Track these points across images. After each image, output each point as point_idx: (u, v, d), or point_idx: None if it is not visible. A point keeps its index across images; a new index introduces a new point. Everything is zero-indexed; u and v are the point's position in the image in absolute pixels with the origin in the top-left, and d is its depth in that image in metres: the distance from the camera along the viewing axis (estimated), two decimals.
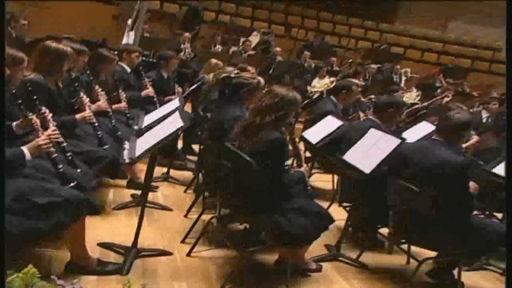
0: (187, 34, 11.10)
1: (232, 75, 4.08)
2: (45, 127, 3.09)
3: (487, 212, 4.98)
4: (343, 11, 19.28)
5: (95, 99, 4.28)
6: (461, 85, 14.08)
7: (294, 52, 14.02)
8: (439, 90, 11.99)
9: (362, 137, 4.09)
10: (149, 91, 5.55)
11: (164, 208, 4.58)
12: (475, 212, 4.97)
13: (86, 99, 4.05)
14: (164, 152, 5.68)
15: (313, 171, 5.82)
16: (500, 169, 4.28)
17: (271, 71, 10.98)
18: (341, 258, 4.15)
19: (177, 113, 3.26)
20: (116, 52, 5.69)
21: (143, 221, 3.98)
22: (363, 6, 19.47)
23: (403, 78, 13.15)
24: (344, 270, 4.00)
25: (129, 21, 9.37)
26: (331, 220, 3.63)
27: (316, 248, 4.13)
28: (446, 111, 5.23)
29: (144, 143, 3.18)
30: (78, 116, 3.90)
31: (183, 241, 3.91)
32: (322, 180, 6.01)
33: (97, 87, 4.44)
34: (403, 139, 3.83)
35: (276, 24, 17.09)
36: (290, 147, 3.78)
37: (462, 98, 10.93)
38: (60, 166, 3.00)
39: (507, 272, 2.64)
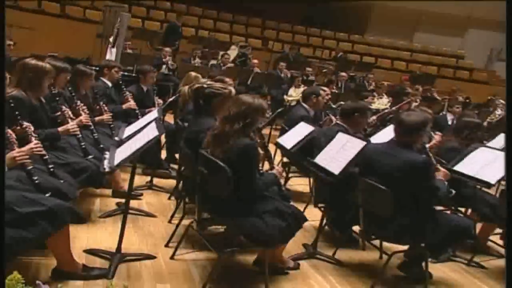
0: (167, 49, 11.07)
1: (204, 86, 4.08)
2: (27, 140, 3.09)
3: (452, 208, 5.01)
4: (316, 24, 19.51)
5: (77, 113, 4.26)
6: (429, 90, 14.29)
7: (271, 64, 14.06)
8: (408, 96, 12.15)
9: (331, 141, 4.13)
10: (131, 104, 5.53)
11: (148, 214, 4.57)
12: (441, 208, 5.07)
13: (69, 112, 4.03)
14: (148, 162, 5.72)
15: (290, 175, 5.85)
16: (460, 167, 4.37)
17: (249, 82, 11.07)
18: (317, 256, 4.19)
19: (153, 124, 3.27)
20: (97, 68, 5.71)
21: (129, 227, 4.01)
22: (335, 19, 19.74)
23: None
24: (320, 267, 4.04)
25: (111, 39, 9.36)
26: (305, 219, 3.66)
27: (294, 247, 4.20)
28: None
29: (122, 153, 3.18)
30: (60, 128, 3.87)
31: (166, 245, 3.91)
32: (300, 184, 6.09)
33: (78, 102, 4.42)
34: (368, 141, 3.88)
35: (253, 38, 17.17)
36: (261, 151, 3.77)
37: (429, 103, 11.11)
38: (35, 177, 2.98)
39: (507, 272, 2.61)
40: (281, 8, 19.10)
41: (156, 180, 5.43)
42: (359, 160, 3.84)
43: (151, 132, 3.12)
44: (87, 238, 3.81)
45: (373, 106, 10.17)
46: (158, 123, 3.24)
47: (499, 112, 12.38)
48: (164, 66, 10.50)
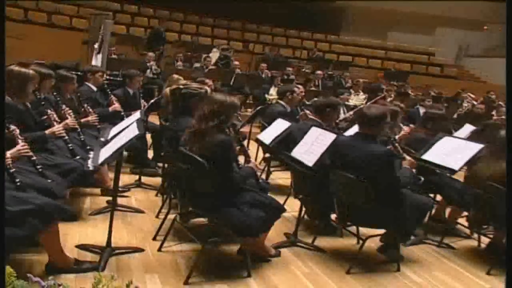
0: (151, 54, 11.09)
1: (181, 87, 4.12)
2: (15, 143, 3.12)
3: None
4: (295, 25, 19.60)
5: (63, 117, 4.27)
6: (403, 86, 14.44)
7: (252, 65, 14.14)
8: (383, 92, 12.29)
9: (305, 135, 4.19)
10: (116, 106, 5.56)
11: (137, 211, 4.59)
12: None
13: (54, 116, 4.04)
14: (136, 162, 5.75)
15: (272, 169, 5.84)
16: (427, 156, 4.45)
17: (231, 83, 11.12)
18: (298, 244, 4.22)
19: (134, 123, 3.31)
20: (80, 73, 5.74)
21: (119, 223, 4.08)
22: (312, 20, 19.82)
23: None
24: (301, 254, 4.08)
25: (96, 45, 9.35)
26: (283, 209, 3.72)
27: (276, 236, 4.25)
28: (392, 112, 5.41)
29: (106, 151, 3.21)
30: (47, 131, 3.88)
31: (154, 239, 3.93)
32: (282, 178, 6.15)
33: (64, 106, 4.43)
34: (338, 134, 3.95)
35: (234, 41, 17.23)
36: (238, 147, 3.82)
37: (402, 98, 11.25)
38: (18, 179, 2.98)
39: (507, 272, 2.59)
40: (261, 11, 19.18)
41: (144, 179, 5.44)
42: (330, 152, 3.90)
43: (132, 131, 3.14)
44: (78, 235, 3.82)
45: (351, 103, 10.29)
46: (139, 123, 3.27)
47: (465, 104, 12.60)
48: (148, 70, 10.52)
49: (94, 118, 4.96)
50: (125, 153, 6.14)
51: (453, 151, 4.25)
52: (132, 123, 3.38)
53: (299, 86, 7.06)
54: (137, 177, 5.46)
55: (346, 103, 9.33)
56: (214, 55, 12.77)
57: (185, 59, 12.57)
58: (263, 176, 5.28)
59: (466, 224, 4.82)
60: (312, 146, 3.96)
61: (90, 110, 5.01)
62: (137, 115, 3.57)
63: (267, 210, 3.47)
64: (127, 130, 3.27)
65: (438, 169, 4.39)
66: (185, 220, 3.74)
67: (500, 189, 3.93)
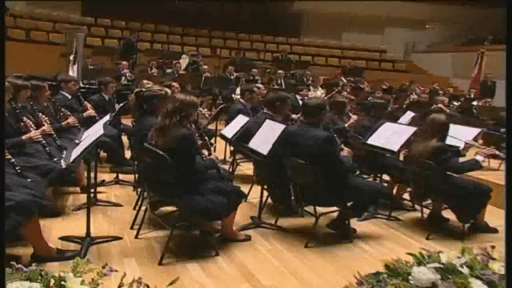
0: (124, 62, 11.08)
1: (143, 90, 4.18)
2: None
3: (372, 176, 5.29)
4: (258, 31, 19.72)
5: (40, 124, 4.30)
6: (358, 81, 14.72)
7: (220, 68, 14.19)
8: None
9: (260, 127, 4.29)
10: (90, 112, 5.58)
11: (115, 204, 4.64)
12: (365, 177, 5.33)
13: (30, 122, 4.06)
14: (114, 162, 5.79)
15: (238, 161, 5.93)
16: (371, 140, 4.61)
17: (201, 85, 11.19)
18: (262, 225, 4.28)
19: (101, 125, 3.37)
20: (54, 83, 5.77)
21: (99, 217, 4.18)
22: (274, 25, 20.03)
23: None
24: (265, 234, 4.14)
25: (71, 57, 9.31)
26: (243, 195, 3.82)
27: (243, 220, 4.33)
28: (337, 104, 5.59)
29: (76, 151, 3.24)
30: (24, 136, 3.92)
31: (131, 228, 3.97)
32: (249, 168, 6.24)
33: (40, 114, 4.45)
34: (287, 125, 4.06)
35: (202, 47, 17.26)
36: (200, 141, 3.87)
37: (357, 92, 11.51)
38: None
39: (507, 272, 2.62)
40: (226, 19, 19.28)
41: (122, 176, 5.46)
42: (282, 141, 3.97)
43: (98, 132, 3.20)
44: (62, 229, 3.86)
45: None
46: (105, 124, 3.34)
47: (414, 96, 12.94)
48: (123, 78, 10.50)
49: (74, 119, 5.01)
50: (103, 153, 6.22)
51: (392, 135, 4.42)
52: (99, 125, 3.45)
53: (259, 85, 7.17)
54: (115, 175, 5.47)
55: (306, 98, 9.48)
56: (184, 61, 12.81)
57: (157, 65, 12.56)
58: (231, 168, 5.40)
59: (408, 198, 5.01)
60: (266, 137, 4.04)
61: (68, 113, 5.05)
62: (106, 118, 3.63)
63: (228, 196, 3.55)
64: (94, 131, 3.33)
65: (381, 151, 4.55)
66: (155, 208, 3.80)
67: (431, 164, 4.13)
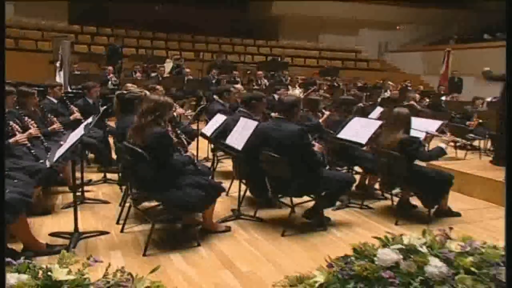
0: (110, 68, 11.07)
1: (124, 92, 4.23)
2: None
3: (345, 168, 5.37)
4: (238, 34, 19.78)
5: (27, 128, 4.32)
6: (334, 80, 14.89)
7: (203, 71, 14.20)
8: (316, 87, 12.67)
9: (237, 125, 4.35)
10: (76, 115, 5.61)
11: (103, 202, 4.68)
12: (339, 169, 5.43)
13: (16, 126, 4.10)
14: (102, 162, 5.82)
15: (220, 158, 5.99)
16: (341, 134, 4.69)
17: (184, 88, 11.23)
18: (242, 216, 4.35)
19: (82, 127, 3.42)
20: (41, 88, 5.78)
21: (88, 213, 4.23)
22: (254, 29, 20.12)
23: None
24: (244, 224, 4.21)
25: (57, 64, 9.29)
26: (221, 188, 3.87)
27: (224, 212, 4.42)
28: (311, 101, 5.68)
29: (60, 151, 3.28)
30: (11, 140, 3.94)
31: (117, 222, 4.03)
32: (230, 165, 6.30)
33: (26, 118, 4.47)
34: (260, 121, 4.13)
35: (186, 51, 17.23)
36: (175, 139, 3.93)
37: (333, 90, 11.65)
38: None
39: (507, 272, 2.65)
40: (208, 24, 19.30)
41: (109, 175, 5.50)
42: (257, 137, 4.05)
43: (79, 133, 3.25)
44: (52, 225, 3.90)
45: None
46: (87, 126, 3.37)
47: (388, 93, 13.13)
48: (109, 82, 10.49)
49: (59, 125, 5.03)
50: (91, 155, 6.25)
51: (361, 129, 4.52)
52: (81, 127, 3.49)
53: (237, 86, 7.24)
54: (102, 174, 5.52)
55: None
56: (168, 65, 12.79)
57: (143, 70, 12.56)
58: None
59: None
60: (241, 133, 4.11)
61: (54, 119, 5.08)
62: (89, 120, 3.68)
63: (206, 190, 3.60)
64: (75, 133, 3.38)
65: (351, 144, 4.63)
66: (138, 203, 3.85)
67: (396, 155, 4.25)
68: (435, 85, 17.04)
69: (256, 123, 4.02)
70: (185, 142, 4.03)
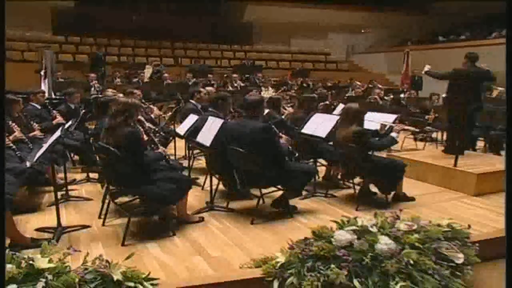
0: (93, 75, 11.01)
1: (99, 96, 4.30)
2: None
3: (311, 160, 5.48)
4: (215, 40, 19.82)
5: (12, 132, 4.35)
6: (305, 81, 15.08)
7: (182, 76, 14.21)
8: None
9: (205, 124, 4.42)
10: (59, 119, 5.63)
11: (86, 199, 4.72)
12: (306, 162, 5.53)
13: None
14: (85, 162, 5.85)
15: (196, 155, 6.04)
16: (304, 130, 4.80)
17: (164, 91, 11.24)
18: (215, 208, 4.42)
19: (59, 129, 3.47)
20: (24, 96, 5.80)
21: (71, 210, 4.28)
22: (229, 35, 20.21)
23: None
24: (217, 215, 4.28)
25: (42, 72, 9.23)
26: (192, 182, 3.98)
27: (199, 205, 4.50)
28: (273, 100, 5.79)
29: (39, 152, 3.31)
30: None
31: (99, 217, 4.07)
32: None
33: (10, 122, 4.50)
34: (226, 120, 4.22)
35: (165, 57, 17.23)
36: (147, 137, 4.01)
37: (303, 90, 11.81)
38: None
39: (507, 271, 2.61)
40: (187, 31, 19.31)
41: (92, 175, 5.51)
42: (225, 134, 4.13)
43: (56, 135, 3.31)
44: (37, 222, 3.93)
45: None
46: (63, 128, 3.41)
47: (354, 93, 13.36)
48: (92, 89, 10.46)
49: (38, 132, 5.06)
50: (76, 157, 6.27)
51: (321, 124, 4.65)
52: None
53: (208, 88, 7.32)
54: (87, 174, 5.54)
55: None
56: (148, 70, 12.79)
57: (125, 76, 12.54)
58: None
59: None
60: (209, 131, 4.18)
61: (36, 126, 5.11)
62: (68, 123, 3.72)
63: (177, 183, 3.67)
64: (54, 135, 3.43)
65: (312, 138, 4.75)
66: (115, 198, 3.91)
67: (351, 146, 4.39)
68: (399, 83, 17.37)
69: (222, 121, 4.09)
70: (156, 140, 4.09)
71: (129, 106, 3.61)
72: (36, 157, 3.18)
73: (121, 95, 4.38)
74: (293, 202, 4.52)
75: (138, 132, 3.68)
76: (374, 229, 3.20)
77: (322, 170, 5.74)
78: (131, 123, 3.63)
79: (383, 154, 6.23)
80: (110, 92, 5.01)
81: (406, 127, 5.64)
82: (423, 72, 6.78)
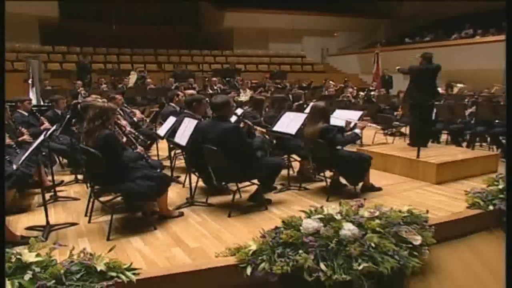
0: (79, 82, 10.97)
1: (80, 101, 4.33)
2: None
3: (285, 156, 5.56)
4: (197, 46, 19.84)
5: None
6: (282, 82, 15.22)
7: (165, 81, 14.21)
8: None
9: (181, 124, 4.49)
10: (46, 125, 5.62)
11: (74, 199, 4.74)
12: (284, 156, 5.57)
13: None
14: (73, 165, 5.86)
15: (177, 155, 6.07)
16: (276, 127, 4.87)
17: (148, 96, 11.28)
18: (195, 203, 4.47)
19: (43, 134, 3.51)
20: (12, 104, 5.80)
21: (60, 209, 4.30)
22: (210, 42, 20.26)
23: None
24: (197, 210, 4.33)
25: (29, 81, 9.17)
26: (170, 179, 4.02)
27: (180, 201, 4.55)
28: (257, 101, 5.87)
29: (24, 155, 3.36)
30: None
31: (85, 215, 4.10)
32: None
33: None
34: (200, 120, 4.28)
35: (149, 64, 17.20)
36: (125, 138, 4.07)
37: (280, 90, 11.94)
38: None
39: (507, 271, 2.64)
40: (169, 38, 19.33)
41: (80, 176, 5.51)
42: (199, 134, 4.19)
43: (40, 138, 3.35)
44: (28, 221, 3.95)
45: (240, 99, 10.78)
46: (46, 133, 3.46)
47: (327, 92, 13.54)
48: (79, 95, 10.39)
49: (27, 136, 5.07)
50: (64, 160, 6.27)
51: (291, 121, 4.75)
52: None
53: (188, 91, 7.39)
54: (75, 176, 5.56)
55: (236, 99, 9.78)
56: (132, 77, 12.77)
57: (110, 82, 12.51)
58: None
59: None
60: (185, 131, 4.25)
61: (24, 131, 5.12)
62: (53, 128, 3.75)
63: (156, 181, 3.72)
64: (38, 139, 3.47)
65: (283, 135, 4.83)
66: (98, 196, 3.94)
67: (318, 142, 4.51)
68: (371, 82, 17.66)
69: (195, 122, 4.16)
70: (134, 141, 4.14)
71: (105, 110, 3.65)
72: (21, 160, 3.22)
73: (99, 100, 4.40)
74: (269, 195, 4.61)
75: (114, 134, 3.71)
76: (339, 217, 3.34)
77: (296, 165, 5.87)
78: (108, 125, 3.67)
79: (354, 148, 6.40)
80: (89, 97, 5.03)
81: (369, 124, 5.79)
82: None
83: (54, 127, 3.58)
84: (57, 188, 4.89)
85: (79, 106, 4.28)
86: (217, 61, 18.97)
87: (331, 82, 15.64)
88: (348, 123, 5.00)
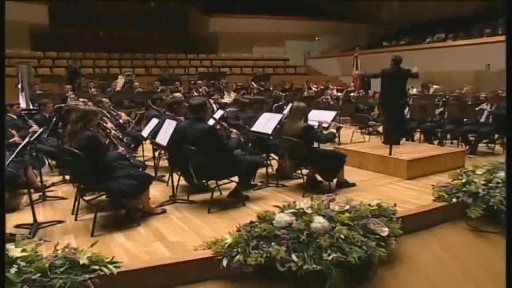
0: (68, 86, 10.91)
1: (63, 105, 4.36)
2: None
3: (264, 155, 5.65)
4: (183, 51, 19.81)
5: None
6: (266, 84, 15.32)
7: (152, 84, 14.17)
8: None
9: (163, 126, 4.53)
10: (34, 128, 5.61)
11: (61, 198, 4.75)
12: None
13: None
14: (60, 165, 5.86)
15: (161, 155, 6.02)
16: (254, 127, 4.95)
17: (136, 99, 11.26)
18: (177, 201, 4.50)
19: (28, 136, 3.53)
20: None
21: (48, 208, 4.32)
22: (196, 46, 20.27)
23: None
24: (179, 207, 4.36)
25: (19, 86, 9.11)
26: (152, 178, 4.06)
27: (163, 198, 4.58)
28: (243, 103, 5.93)
29: (11, 156, 3.39)
30: None
31: (72, 213, 4.12)
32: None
33: None
34: (179, 121, 4.33)
35: (137, 68, 17.14)
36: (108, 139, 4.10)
37: (262, 92, 12.03)
38: None
39: (507, 270, 2.62)
40: (156, 43, 19.28)
41: (68, 177, 5.40)
42: (178, 135, 4.24)
43: (26, 140, 3.39)
44: (17, 220, 3.94)
45: (224, 100, 10.80)
46: (32, 135, 3.48)
47: (307, 93, 13.71)
48: (68, 99, 10.34)
49: (17, 138, 5.07)
50: (53, 162, 6.26)
51: (267, 121, 4.84)
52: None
53: (175, 94, 7.42)
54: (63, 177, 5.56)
55: (220, 101, 9.80)
56: (120, 80, 12.72)
57: (99, 86, 12.45)
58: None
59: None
60: (165, 132, 4.30)
61: (15, 133, 5.12)
62: (40, 131, 3.77)
63: (138, 180, 3.77)
64: (24, 141, 3.49)
65: (261, 135, 4.92)
66: (83, 195, 3.96)
67: (296, 140, 4.60)
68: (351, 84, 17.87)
69: (175, 123, 4.22)
70: (115, 141, 4.18)
71: (87, 113, 3.70)
72: (8, 161, 3.25)
73: (81, 103, 4.43)
74: (248, 193, 4.67)
75: (96, 135, 3.75)
76: (310, 211, 3.43)
77: (275, 164, 5.95)
78: (90, 127, 3.71)
79: (331, 146, 6.50)
80: (73, 101, 5.05)
81: (340, 124, 5.91)
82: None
83: (41, 129, 3.61)
84: (46, 189, 4.90)
85: (63, 109, 4.29)
86: (203, 64, 18.98)
87: (312, 84, 15.86)
88: (320, 124, 5.11)
